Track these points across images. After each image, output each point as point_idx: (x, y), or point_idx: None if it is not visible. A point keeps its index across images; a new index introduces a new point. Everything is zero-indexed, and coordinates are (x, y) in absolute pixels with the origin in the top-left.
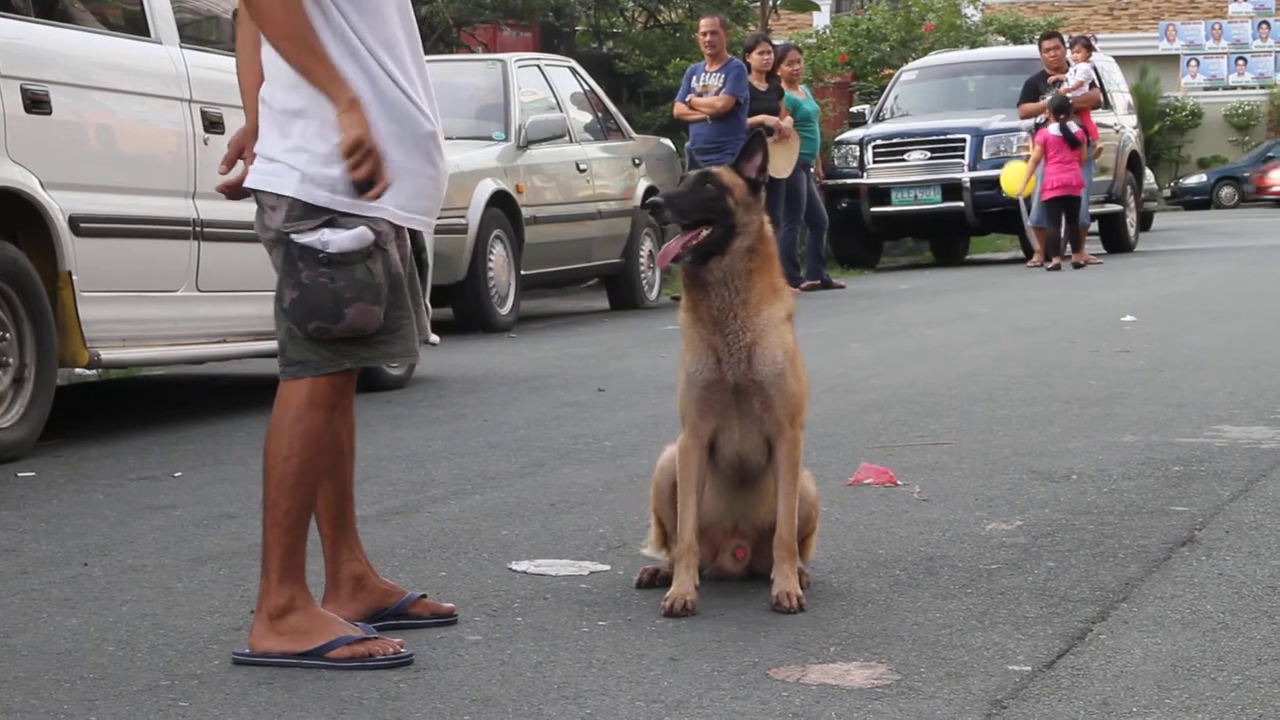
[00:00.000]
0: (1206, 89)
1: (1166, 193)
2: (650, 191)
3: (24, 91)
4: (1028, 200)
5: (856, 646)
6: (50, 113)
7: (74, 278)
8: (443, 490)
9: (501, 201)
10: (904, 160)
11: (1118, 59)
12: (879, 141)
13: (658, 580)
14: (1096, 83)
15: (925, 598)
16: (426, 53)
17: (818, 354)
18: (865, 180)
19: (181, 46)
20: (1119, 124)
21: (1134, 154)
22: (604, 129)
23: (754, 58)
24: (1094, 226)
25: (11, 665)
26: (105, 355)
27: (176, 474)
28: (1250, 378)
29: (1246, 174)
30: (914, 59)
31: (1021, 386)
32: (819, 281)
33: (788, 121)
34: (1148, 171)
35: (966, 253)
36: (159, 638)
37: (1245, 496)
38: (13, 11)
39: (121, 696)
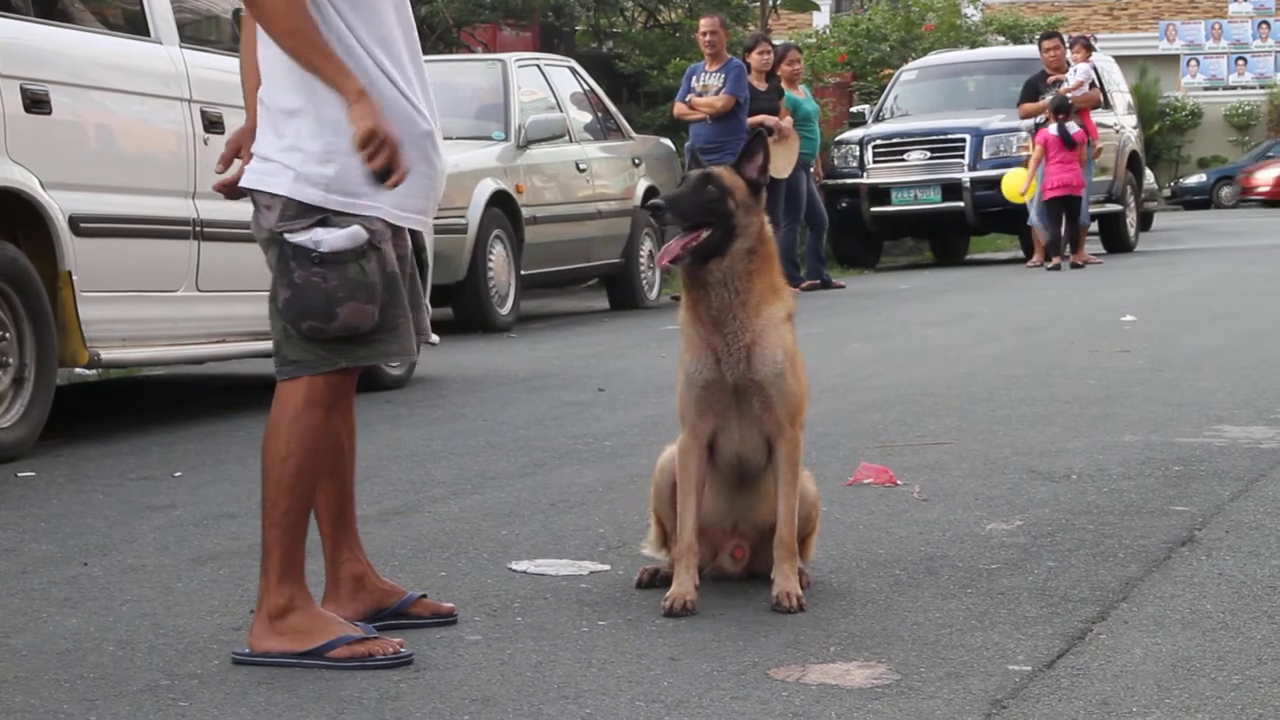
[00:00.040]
0: (1206, 89)
1: (1166, 193)
2: (650, 191)
3: (24, 91)
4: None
5: (856, 646)
6: (50, 113)
7: (74, 278)
8: (443, 490)
9: (501, 201)
10: (904, 160)
11: (1118, 59)
12: (879, 141)
13: (658, 580)
14: (1096, 83)
15: (925, 598)
16: (426, 53)
17: (818, 354)
18: (865, 180)
19: (181, 46)
20: (1119, 124)
21: (1134, 154)
22: (604, 129)
23: (754, 58)
24: (1094, 226)
25: (11, 665)
26: (105, 355)
27: (176, 474)
28: (1250, 377)
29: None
30: (914, 59)
31: (1021, 386)
32: (819, 281)
33: (787, 121)
34: (1148, 171)
35: (966, 253)
36: (159, 638)
37: (1245, 496)
38: (13, 11)
39: (121, 696)
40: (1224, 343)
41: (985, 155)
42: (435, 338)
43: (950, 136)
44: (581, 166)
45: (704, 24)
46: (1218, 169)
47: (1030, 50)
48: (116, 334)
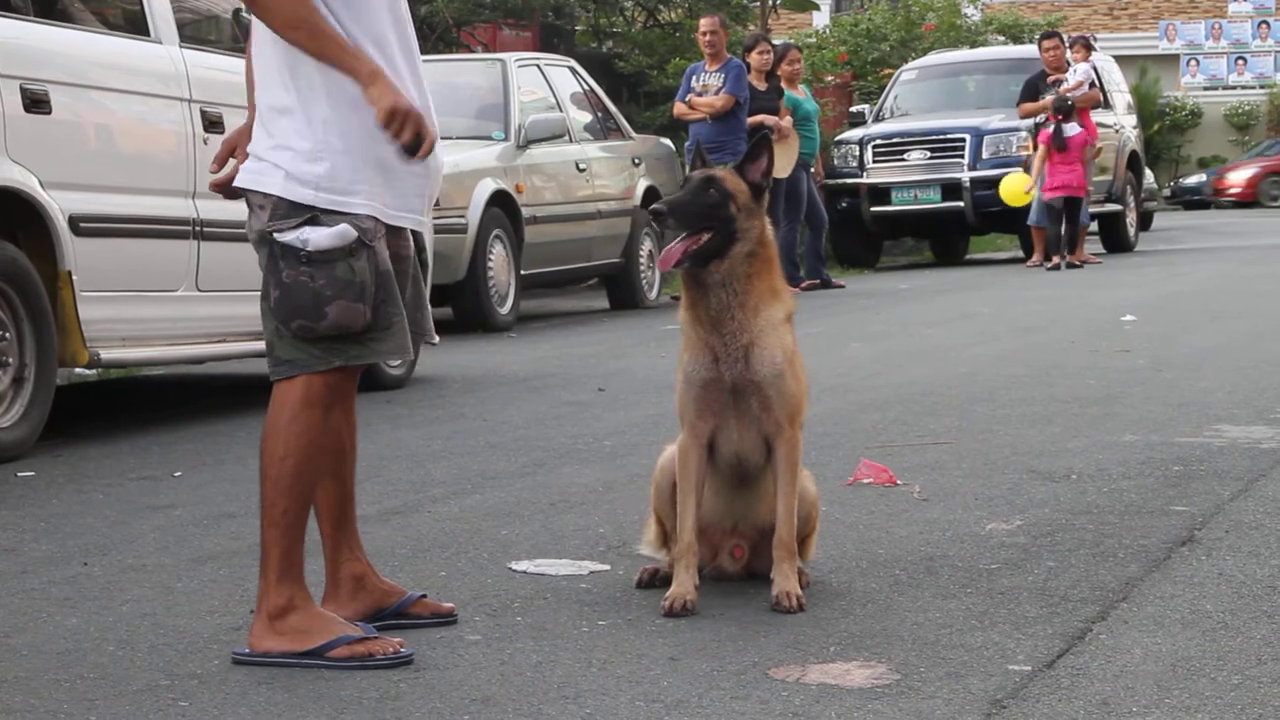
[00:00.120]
0: (1206, 89)
1: (1166, 192)
2: (650, 191)
3: (24, 91)
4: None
5: (856, 646)
6: (50, 112)
7: (74, 277)
8: (443, 490)
9: (501, 201)
10: (904, 160)
11: (1118, 59)
12: (879, 141)
13: (657, 580)
14: (1096, 82)
15: (925, 598)
16: (426, 53)
17: (817, 354)
18: (865, 180)
19: (181, 46)
20: (1119, 124)
21: (1134, 154)
22: (604, 129)
23: (753, 57)
24: (1094, 226)
25: (11, 665)
26: (105, 355)
27: (176, 474)
28: (1250, 377)
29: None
30: (914, 59)
31: (1021, 386)
32: (819, 281)
33: (787, 121)
34: (1147, 171)
35: (966, 252)
36: (159, 638)
37: (1245, 496)
38: (12, 11)
39: (121, 696)
40: (1224, 342)
41: (985, 155)
42: (436, 338)
43: (950, 136)
44: (581, 166)
45: (704, 24)
46: (1217, 169)
47: (1030, 50)
48: (116, 334)
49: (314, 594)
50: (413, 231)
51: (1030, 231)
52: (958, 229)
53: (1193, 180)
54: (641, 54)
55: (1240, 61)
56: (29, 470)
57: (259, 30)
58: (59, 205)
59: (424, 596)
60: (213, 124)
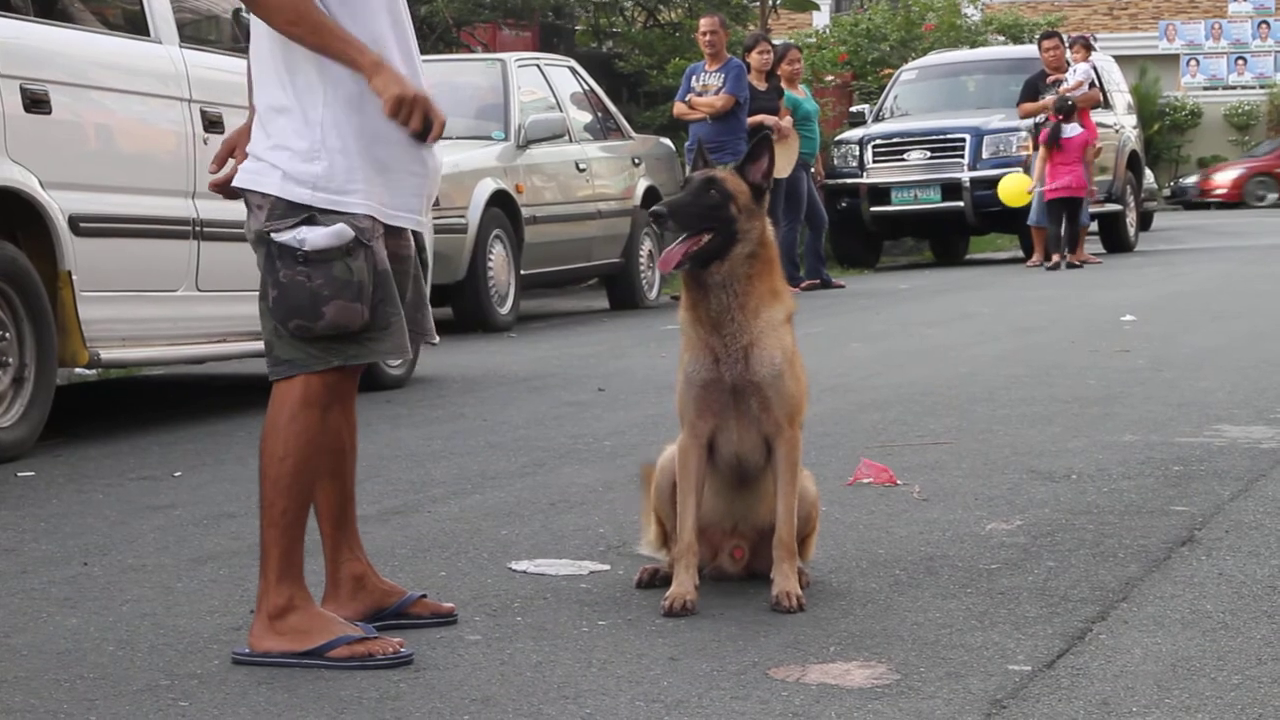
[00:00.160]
0: (1206, 89)
1: (1166, 192)
2: (650, 191)
3: (24, 91)
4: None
5: (856, 646)
6: (50, 112)
7: (74, 277)
8: (443, 490)
9: (501, 201)
10: (904, 160)
11: (1117, 59)
12: (879, 141)
13: (657, 580)
14: (1096, 82)
15: (925, 597)
16: (426, 52)
17: (818, 354)
18: (865, 180)
19: (181, 46)
20: (1119, 124)
21: (1134, 154)
22: (604, 129)
23: (753, 57)
24: (1094, 226)
25: (11, 665)
26: (105, 355)
27: (176, 474)
28: (1250, 377)
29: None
30: (914, 59)
31: (1021, 386)
32: (818, 281)
33: (787, 121)
34: (1147, 171)
35: (966, 252)
36: (159, 638)
37: (1245, 496)
38: (12, 11)
39: (121, 696)
40: (1224, 343)
41: (985, 155)
42: (436, 338)
43: (950, 136)
44: (581, 166)
45: (704, 24)
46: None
47: (1030, 50)
48: (116, 334)
49: (314, 594)
50: (413, 231)
51: (1030, 231)
52: (958, 229)
53: (1193, 180)
54: (641, 54)
55: (1240, 61)
56: (29, 470)
57: (257, 30)
58: (59, 205)
59: (424, 596)
60: (213, 124)
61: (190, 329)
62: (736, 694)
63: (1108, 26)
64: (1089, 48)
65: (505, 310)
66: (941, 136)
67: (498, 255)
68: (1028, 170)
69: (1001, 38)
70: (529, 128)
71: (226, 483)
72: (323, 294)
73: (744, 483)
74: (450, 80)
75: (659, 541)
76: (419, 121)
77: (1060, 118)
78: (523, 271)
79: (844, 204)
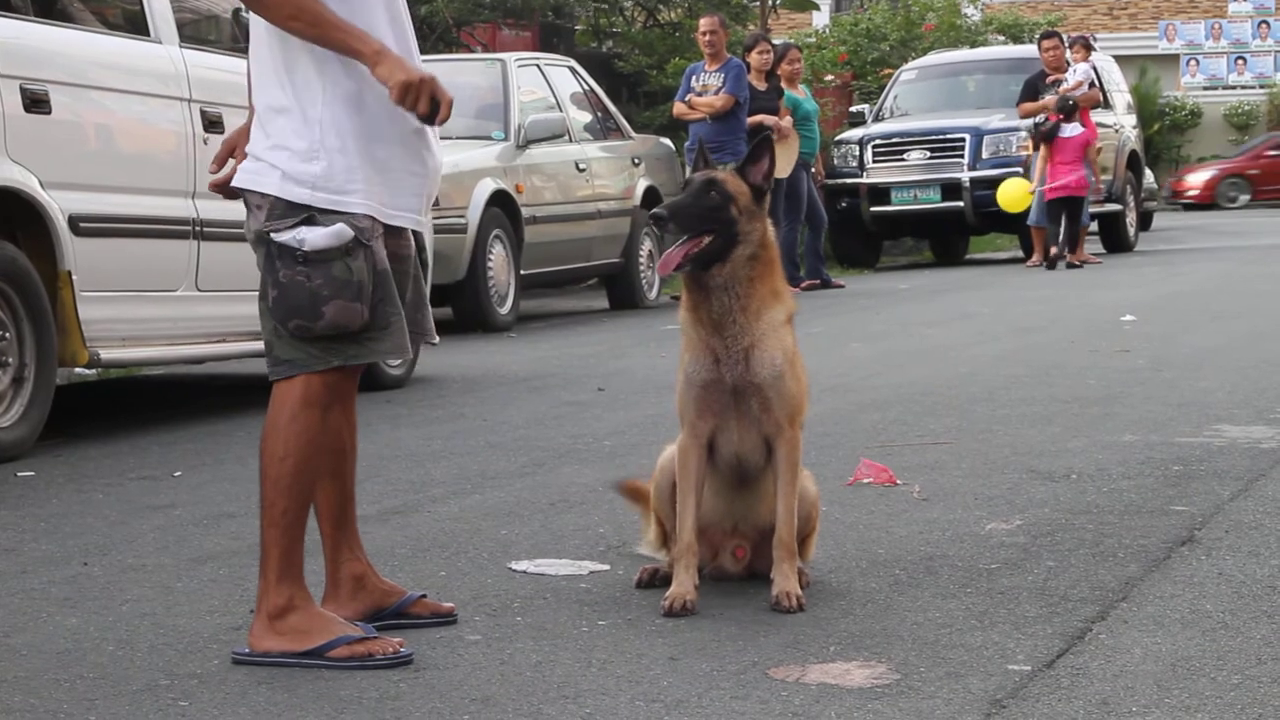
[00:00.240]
0: (1206, 89)
1: (1166, 192)
2: (650, 191)
3: (24, 91)
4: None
5: (856, 646)
6: (50, 112)
7: (74, 277)
8: (443, 490)
9: (501, 201)
10: (903, 160)
11: (1117, 59)
12: (878, 141)
13: (657, 580)
14: (1096, 82)
15: (925, 597)
16: (426, 52)
17: (818, 354)
18: (865, 180)
19: (181, 46)
20: (1119, 124)
21: (1134, 154)
22: (604, 129)
23: (753, 57)
24: (1094, 226)
25: (11, 665)
26: (105, 355)
27: (176, 474)
28: (1250, 377)
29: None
30: (914, 59)
31: (1021, 386)
32: (818, 281)
33: (787, 121)
34: (1147, 171)
35: (966, 252)
36: (159, 637)
37: (1245, 496)
38: (12, 11)
39: (121, 696)
40: (1224, 343)
41: (985, 155)
42: (436, 338)
43: (950, 136)
44: (581, 166)
45: (703, 24)
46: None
47: (1030, 50)
48: (116, 334)
49: (314, 594)
50: (412, 231)
51: (1030, 231)
52: (957, 229)
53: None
54: (641, 54)
55: (1240, 61)
56: (29, 470)
57: (256, 30)
58: (59, 205)
59: (424, 596)
60: (213, 124)
61: (190, 329)
62: (736, 694)
63: (1108, 26)
64: (1089, 48)
65: (505, 310)
66: (941, 136)
67: (497, 255)
68: (1027, 171)
69: (1001, 38)
70: (529, 128)
71: (226, 483)
72: (322, 294)
73: (744, 483)
74: (450, 80)
75: (659, 541)
76: (426, 104)
77: (1060, 117)
78: (523, 271)
79: (844, 204)
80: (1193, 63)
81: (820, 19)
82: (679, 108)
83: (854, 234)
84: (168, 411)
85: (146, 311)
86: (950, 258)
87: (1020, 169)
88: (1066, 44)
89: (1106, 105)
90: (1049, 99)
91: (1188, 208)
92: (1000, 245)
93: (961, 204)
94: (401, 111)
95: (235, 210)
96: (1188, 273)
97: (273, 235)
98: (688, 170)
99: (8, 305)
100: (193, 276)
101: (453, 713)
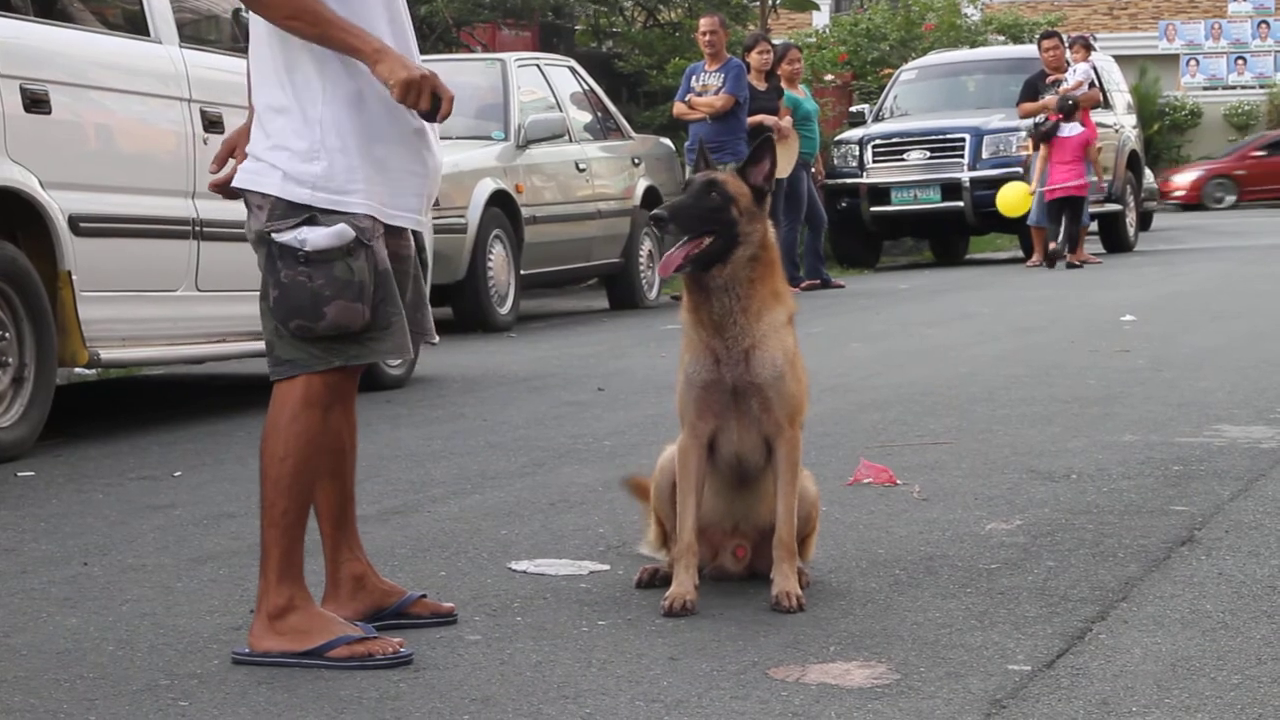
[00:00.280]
0: (1206, 89)
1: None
2: (650, 191)
3: (24, 91)
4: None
5: (856, 646)
6: (50, 112)
7: (74, 277)
8: (443, 490)
9: (501, 201)
10: (903, 160)
11: (1117, 58)
12: (878, 141)
13: (657, 580)
14: (1096, 82)
15: (925, 597)
16: (426, 52)
17: (818, 354)
18: (865, 180)
19: (181, 46)
20: (1119, 124)
21: (1133, 154)
22: (603, 128)
23: (753, 57)
24: (1094, 226)
25: (11, 665)
26: (105, 355)
27: (176, 474)
28: (1250, 377)
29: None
30: (914, 58)
31: (1021, 386)
32: (818, 281)
33: (787, 121)
34: (1147, 171)
35: (966, 252)
36: (159, 637)
37: (1245, 496)
38: (12, 11)
39: (121, 696)
40: (1224, 343)
41: (985, 155)
42: (436, 338)
43: (950, 136)
44: (581, 166)
45: (703, 23)
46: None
47: (1030, 50)
48: (116, 334)
49: (314, 594)
50: (412, 231)
51: (1030, 231)
52: (957, 229)
53: None
54: (641, 54)
55: (1240, 61)
56: (29, 470)
57: (256, 30)
58: (59, 205)
59: (424, 596)
60: (213, 124)
61: (190, 329)
62: (736, 694)
63: (1108, 26)
64: (1089, 48)
65: (505, 310)
66: (941, 136)
67: (497, 255)
68: (1027, 170)
69: (1001, 38)
70: (529, 128)
71: (226, 483)
72: (324, 294)
73: (744, 483)
74: (450, 80)
75: (659, 541)
76: (427, 101)
77: (1061, 117)
78: (523, 271)
79: (844, 204)
80: (1193, 63)
81: (820, 19)
82: (679, 108)
83: (854, 234)
84: (168, 411)
85: (146, 311)
86: (950, 258)
87: (1020, 169)
88: (1066, 44)
89: (1106, 105)
90: (1049, 99)
91: (1176, 209)
92: (1000, 245)
93: (961, 204)
94: (402, 111)
95: (235, 210)
96: (1188, 273)
97: (274, 235)
98: (688, 170)
99: (8, 305)
100: (193, 276)
101: (453, 713)
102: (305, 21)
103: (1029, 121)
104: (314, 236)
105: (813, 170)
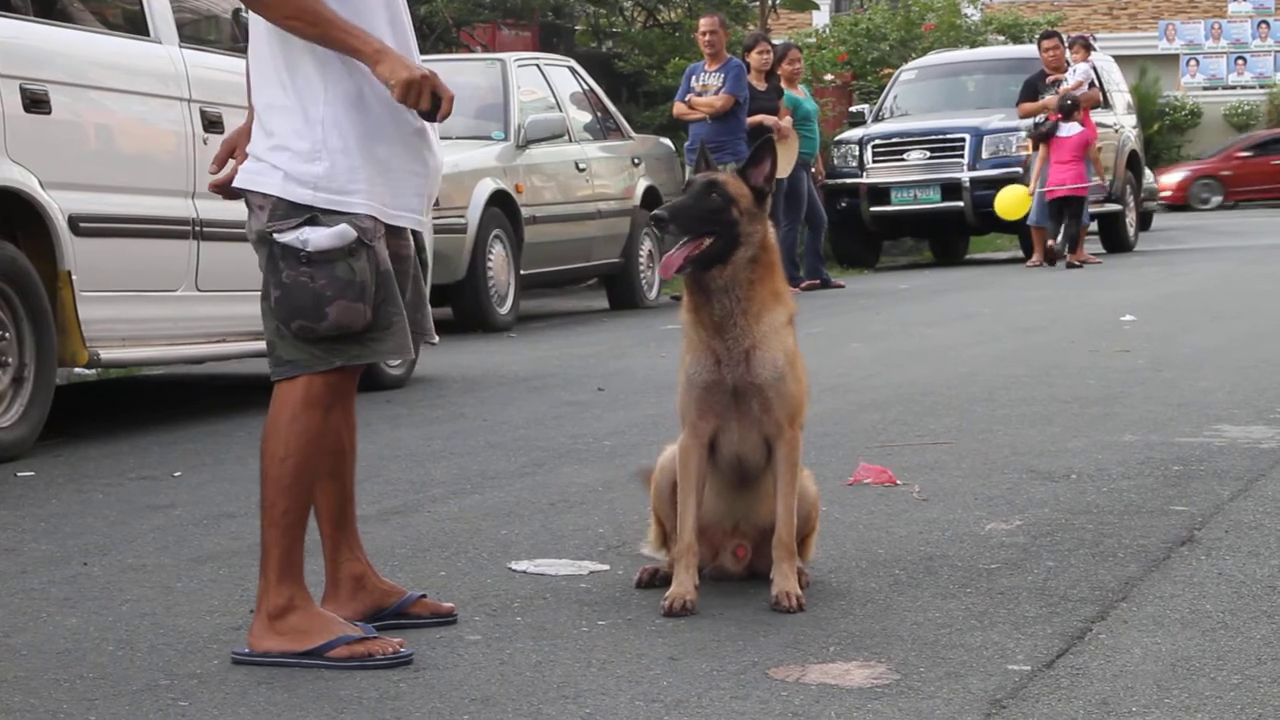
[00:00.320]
0: (1206, 89)
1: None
2: (650, 191)
3: (23, 91)
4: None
5: (856, 646)
6: (50, 112)
7: (73, 277)
8: (442, 490)
9: (501, 201)
10: (903, 160)
11: (1117, 59)
12: (878, 141)
13: (657, 580)
14: (1096, 82)
15: (925, 597)
16: (426, 52)
17: (818, 354)
18: (865, 180)
19: (181, 46)
20: (1118, 124)
21: (1133, 154)
22: (603, 128)
23: (753, 57)
24: (1094, 226)
25: (11, 665)
26: (105, 355)
27: (176, 474)
28: (1250, 377)
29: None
30: (914, 59)
31: (1021, 386)
32: (818, 281)
33: (787, 121)
34: (1147, 171)
35: (966, 252)
36: (159, 637)
37: (1245, 496)
38: (12, 11)
39: (121, 696)
40: (1224, 343)
41: (985, 155)
42: (436, 338)
43: (950, 136)
44: (581, 166)
45: (703, 24)
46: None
47: (1030, 50)
48: (116, 334)
49: (314, 594)
50: (412, 231)
51: (1030, 231)
52: (957, 229)
53: None
54: (641, 54)
55: (1240, 61)
56: (29, 470)
57: (256, 30)
58: (59, 205)
59: (424, 596)
60: (212, 124)
61: (190, 329)
62: (736, 694)
63: (1108, 26)
64: (1089, 48)
65: (505, 310)
66: (941, 136)
67: (497, 255)
68: (1026, 170)
69: (1001, 38)
70: (529, 128)
71: (226, 483)
72: (326, 294)
73: (744, 483)
74: (450, 80)
75: (659, 541)
76: (428, 101)
77: (1060, 117)
78: (522, 271)
79: (844, 204)
80: (1192, 63)
81: (820, 19)
82: (679, 108)
83: (854, 234)
84: (168, 411)
85: (146, 311)
86: (950, 258)
87: (1020, 169)
88: (1066, 44)
89: (1106, 105)
90: (1049, 99)
91: (1162, 209)
92: (1000, 245)
93: (961, 204)
94: (403, 111)
95: (235, 210)
96: (1188, 273)
97: (275, 236)
98: (688, 170)
99: (8, 305)
100: (193, 276)
101: (453, 713)
102: (305, 21)
103: (1029, 121)
104: (316, 237)
105: (813, 170)
